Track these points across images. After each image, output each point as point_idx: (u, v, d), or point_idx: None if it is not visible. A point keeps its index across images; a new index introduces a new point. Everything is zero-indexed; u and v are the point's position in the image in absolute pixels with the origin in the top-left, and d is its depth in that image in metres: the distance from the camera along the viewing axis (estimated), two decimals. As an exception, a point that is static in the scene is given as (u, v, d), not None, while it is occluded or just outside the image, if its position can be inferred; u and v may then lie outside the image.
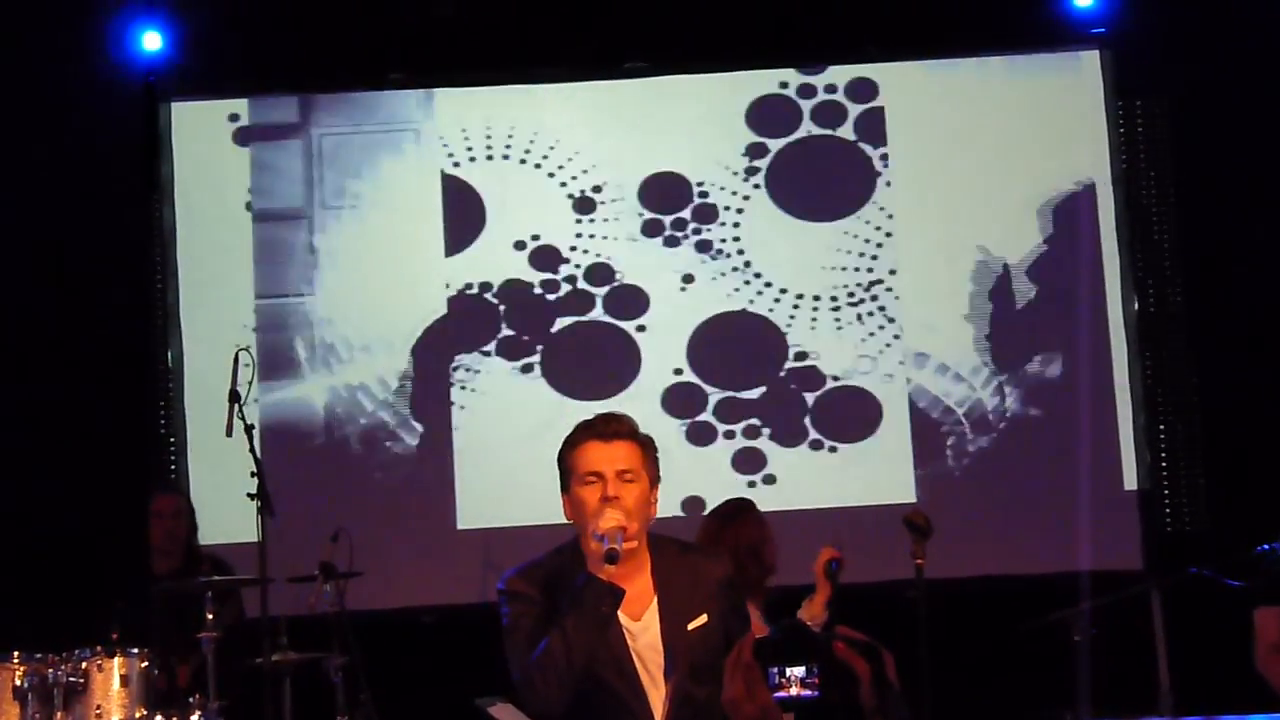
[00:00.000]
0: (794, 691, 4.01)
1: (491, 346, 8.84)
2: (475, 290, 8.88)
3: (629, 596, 4.29)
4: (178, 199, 8.85)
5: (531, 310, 8.89)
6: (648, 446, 4.41)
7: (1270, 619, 6.32)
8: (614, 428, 4.37)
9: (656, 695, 4.33)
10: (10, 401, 8.48)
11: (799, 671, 4.02)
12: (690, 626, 4.35)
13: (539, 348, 8.85)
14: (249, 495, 6.73)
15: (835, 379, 8.84)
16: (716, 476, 8.64)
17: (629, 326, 8.89)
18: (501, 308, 8.87)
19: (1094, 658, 6.94)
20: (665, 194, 8.96)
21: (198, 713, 6.46)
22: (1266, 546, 6.40)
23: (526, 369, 8.83)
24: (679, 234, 8.93)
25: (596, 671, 4.28)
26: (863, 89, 9.00)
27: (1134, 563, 8.50)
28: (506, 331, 8.86)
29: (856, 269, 8.88)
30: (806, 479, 8.74)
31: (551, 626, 4.24)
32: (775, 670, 4.05)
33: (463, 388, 8.81)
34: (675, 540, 4.54)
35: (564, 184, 8.93)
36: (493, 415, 8.79)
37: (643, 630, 4.35)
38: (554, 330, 8.88)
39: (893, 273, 8.86)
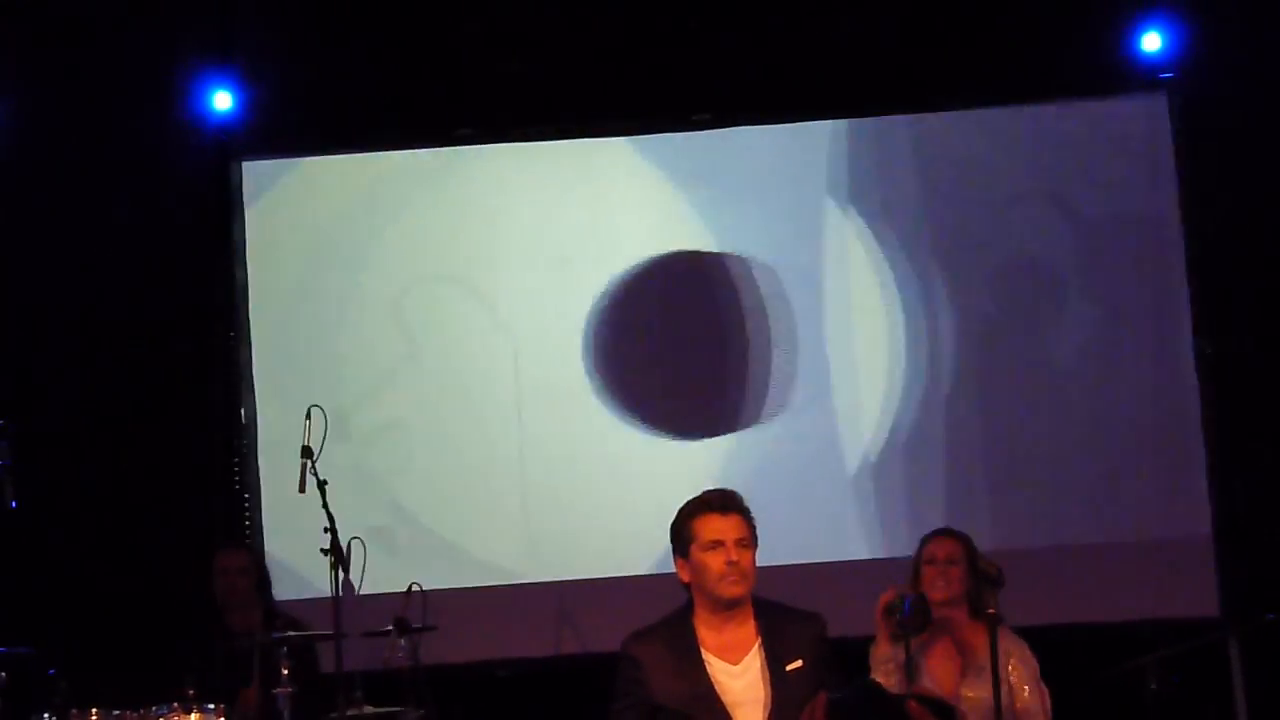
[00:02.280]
0: (868, 750, 4.03)
1: (564, 399, 8.85)
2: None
3: (731, 642, 4.91)
4: (249, 256, 8.90)
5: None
6: (751, 518, 5.02)
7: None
8: (730, 502, 5.02)
9: None
10: (87, 458, 8.59)
11: (873, 731, 4.05)
12: (789, 668, 4.87)
13: (615, 398, 8.86)
14: (323, 551, 6.77)
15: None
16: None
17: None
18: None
19: (1171, 707, 6.89)
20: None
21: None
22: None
23: (600, 420, 8.83)
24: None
25: (692, 716, 4.81)
26: (925, 136, 8.98)
27: (1211, 609, 8.39)
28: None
29: (916, 314, 8.85)
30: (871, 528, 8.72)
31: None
32: (850, 729, 4.08)
33: (533, 438, 8.82)
34: (775, 602, 5.08)
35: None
36: (564, 466, 8.79)
37: (743, 672, 4.89)
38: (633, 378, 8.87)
39: (954, 319, 8.83)
